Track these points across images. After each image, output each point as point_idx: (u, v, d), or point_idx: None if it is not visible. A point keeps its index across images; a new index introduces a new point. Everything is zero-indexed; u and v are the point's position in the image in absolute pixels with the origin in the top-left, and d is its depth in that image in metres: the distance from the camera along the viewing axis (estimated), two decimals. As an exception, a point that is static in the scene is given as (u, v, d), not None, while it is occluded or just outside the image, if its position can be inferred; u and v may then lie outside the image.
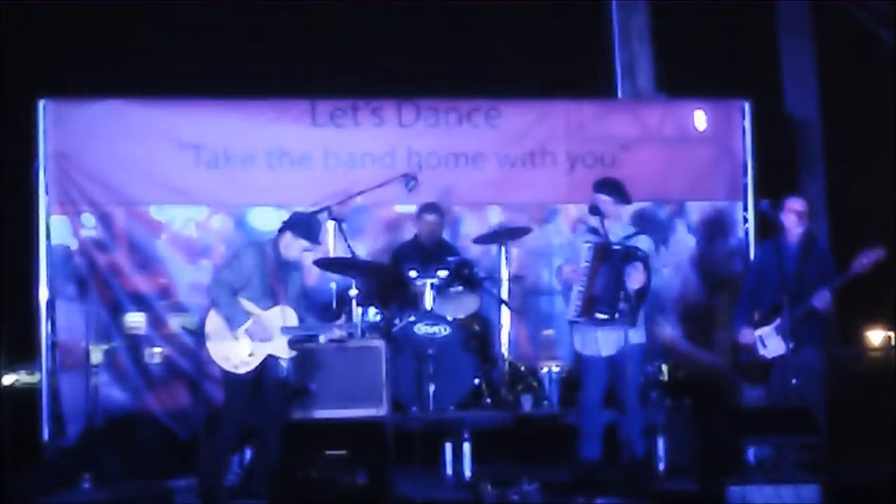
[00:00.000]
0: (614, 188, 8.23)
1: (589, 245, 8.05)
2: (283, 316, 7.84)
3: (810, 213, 8.44)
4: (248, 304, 7.78)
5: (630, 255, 7.95)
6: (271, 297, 7.84)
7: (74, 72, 11.11)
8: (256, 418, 7.89)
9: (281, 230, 7.95)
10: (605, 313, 7.95)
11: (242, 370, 7.76)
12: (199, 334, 7.91)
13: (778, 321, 8.08)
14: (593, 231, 8.20)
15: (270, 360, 7.83)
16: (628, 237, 8.10)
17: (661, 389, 9.10)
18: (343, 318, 8.28)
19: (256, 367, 7.78)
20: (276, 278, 7.85)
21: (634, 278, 7.93)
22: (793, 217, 8.23)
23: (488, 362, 9.31)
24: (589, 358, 8.19)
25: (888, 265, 8.03)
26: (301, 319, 7.92)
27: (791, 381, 7.83)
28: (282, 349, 7.84)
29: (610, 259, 7.98)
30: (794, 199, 8.35)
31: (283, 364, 7.89)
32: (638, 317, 7.99)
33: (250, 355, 7.76)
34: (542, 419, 8.99)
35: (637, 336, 8.03)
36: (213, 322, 7.79)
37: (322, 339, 8.22)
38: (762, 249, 8.69)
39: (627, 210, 9.41)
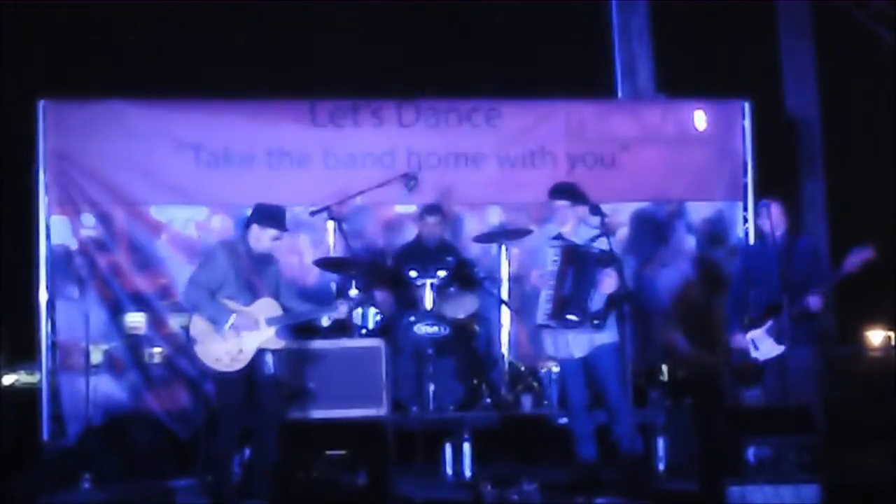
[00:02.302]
0: (567, 192, 8.22)
1: (555, 248, 8.04)
2: (266, 308, 7.83)
3: (789, 213, 8.41)
4: (228, 302, 7.77)
5: (603, 259, 7.93)
6: (250, 292, 7.83)
7: (74, 72, 11.11)
8: (253, 417, 7.88)
9: (247, 224, 7.95)
10: (576, 316, 7.94)
11: (234, 368, 7.74)
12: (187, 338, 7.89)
13: (769, 323, 8.11)
14: (558, 236, 8.19)
15: (261, 357, 7.81)
16: (592, 239, 8.06)
17: (661, 389, 9.10)
18: (310, 306, 8.19)
19: (248, 364, 7.77)
20: (252, 273, 7.85)
21: (606, 283, 7.91)
22: (769, 220, 8.25)
23: (488, 362, 9.31)
24: (563, 361, 8.19)
25: (888, 265, 8.04)
26: (285, 309, 7.91)
27: (786, 382, 7.86)
28: (270, 340, 7.83)
29: (580, 262, 7.97)
30: (767, 202, 8.38)
31: (270, 360, 7.85)
32: (607, 320, 7.96)
33: (240, 352, 7.75)
34: (542, 419, 8.98)
35: (609, 336, 8.00)
36: (198, 325, 7.77)
37: (325, 321, 8.16)
38: (746, 253, 8.73)
39: (625, 208, 9.47)
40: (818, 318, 8.21)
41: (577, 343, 8.06)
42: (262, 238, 7.89)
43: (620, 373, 7.94)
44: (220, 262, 7.82)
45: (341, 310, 8.15)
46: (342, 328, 8.87)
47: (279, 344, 7.88)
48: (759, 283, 8.25)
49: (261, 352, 7.81)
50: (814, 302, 7.98)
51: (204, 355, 7.77)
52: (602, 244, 8.00)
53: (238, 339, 7.75)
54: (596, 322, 7.91)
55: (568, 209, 8.13)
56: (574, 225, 8.14)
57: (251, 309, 7.81)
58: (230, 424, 7.82)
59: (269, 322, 7.82)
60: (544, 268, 8.07)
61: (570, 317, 7.95)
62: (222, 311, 7.73)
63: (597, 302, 7.93)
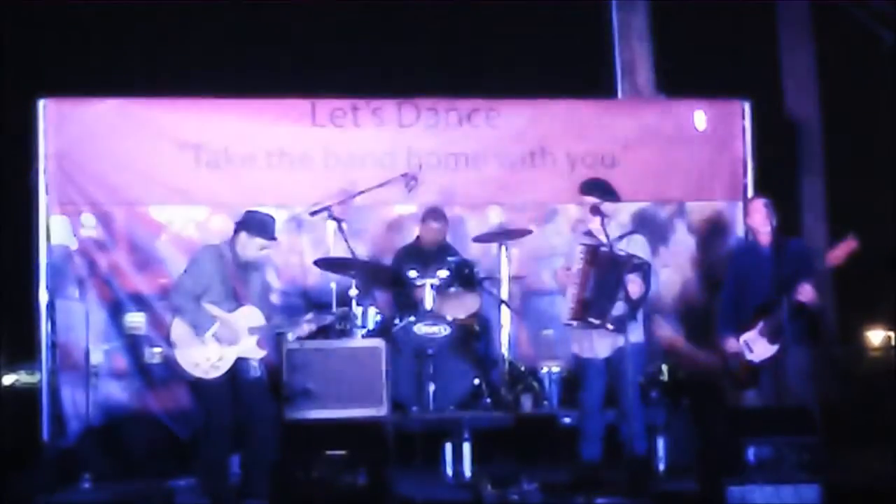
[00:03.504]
0: (600, 188, 8.21)
1: (581, 248, 8.04)
2: (249, 316, 7.80)
3: (781, 212, 8.41)
4: (212, 308, 7.73)
5: (628, 263, 7.92)
6: (234, 298, 7.79)
7: (74, 72, 11.12)
8: (244, 418, 7.84)
9: (235, 230, 7.90)
10: (597, 318, 7.93)
11: (213, 374, 7.70)
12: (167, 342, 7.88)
13: (761, 324, 8.09)
14: (588, 233, 8.19)
15: (241, 362, 7.78)
16: (621, 237, 8.08)
17: (661, 389, 9.10)
18: (311, 314, 8.15)
19: (227, 371, 7.74)
20: (236, 279, 7.80)
21: (631, 289, 7.90)
22: (758, 217, 8.25)
23: (488, 362, 9.31)
24: (587, 360, 8.18)
25: (888, 265, 8.04)
26: (268, 318, 7.88)
27: (782, 382, 7.87)
28: (251, 350, 7.80)
29: (604, 264, 7.95)
30: (756, 200, 8.39)
31: (255, 364, 7.84)
32: (629, 324, 7.94)
33: (219, 359, 7.71)
34: (542, 419, 8.98)
35: (635, 336, 8.00)
36: (179, 330, 7.72)
37: (290, 336, 8.18)
38: (736, 255, 8.70)
39: (625, 208, 9.46)
40: (813, 315, 8.20)
41: (602, 344, 8.06)
42: (248, 246, 7.85)
43: (640, 373, 7.95)
44: (205, 267, 7.77)
45: (304, 327, 8.03)
46: (342, 330, 8.86)
47: (260, 353, 7.84)
48: (750, 284, 8.22)
49: (241, 358, 7.79)
50: (804, 293, 7.96)
51: (183, 360, 7.71)
52: (633, 243, 8.03)
53: (218, 347, 7.72)
54: (613, 327, 7.90)
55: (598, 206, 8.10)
56: (594, 223, 8.11)
57: (234, 316, 7.77)
58: (218, 428, 7.76)
59: (252, 332, 7.80)
60: (572, 265, 8.04)
61: (591, 319, 7.94)
62: (205, 317, 7.68)
63: (619, 307, 7.91)
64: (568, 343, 8.49)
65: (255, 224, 7.88)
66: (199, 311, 7.69)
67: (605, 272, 7.95)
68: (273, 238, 7.97)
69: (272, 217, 8.05)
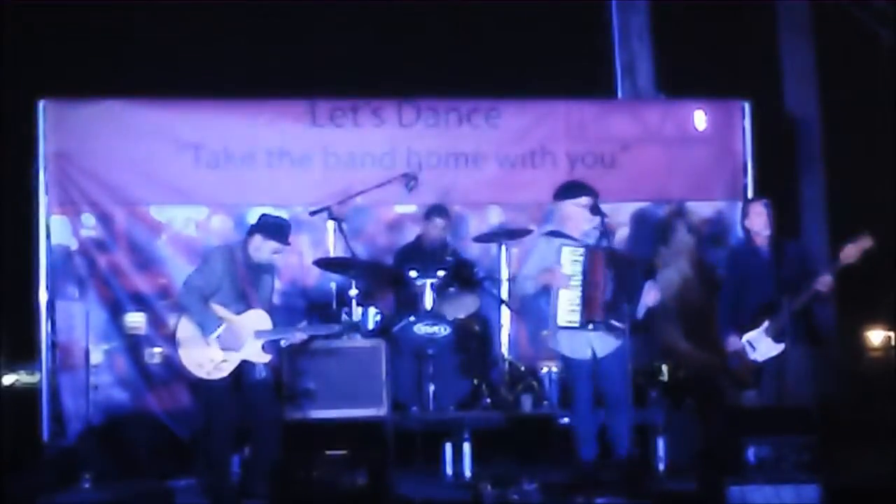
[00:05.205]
0: (586, 188, 8.09)
1: (577, 248, 7.95)
2: (257, 319, 7.81)
3: (779, 214, 8.41)
4: (220, 310, 7.73)
5: (649, 269, 7.91)
6: (243, 300, 7.80)
7: (74, 72, 11.12)
8: (248, 418, 7.85)
9: (250, 233, 7.92)
10: (620, 322, 7.76)
11: (216, 376, 7.70)
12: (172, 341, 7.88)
13: (767, 323, 8.08)
14: (558, 234, 8.07)
15: (247, 364, 7.78)
16: (598, 239, 7.99)
17: (661, 389, 9.09)
18: (304, 322, 8.17)
19: (232, 372, 7.74)
20: (247, 281, 7.81)
21: (651, 295, 7.88)
22: (758, 220, 8.23)
23: (488, 362, 9.30)
24: (578, 361, 8.02)
25: (888, 265, 8.02)
26: (275, 322, 7.88)
27: (783, 382, 7.87)
28: (256, 354, 7.80)
29: (620, 267, 7.86)
30: (757, 203, 8.37)
31: (260, 366, 7.82)
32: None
33: (223, 361, 7.71)
34: (542, 419, 8.98)
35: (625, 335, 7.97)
36: (185, 329, 7.73)
37: (283, 343, 8.17)
38: (736, 255, 8.66)
39: (625, 208, 9.46)
40: (813, 318, 8.19)
41: (602, 343, 7.94)
42: (262, 249, 7.87)
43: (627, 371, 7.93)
44: (215, 267, 7.78)
45: (297, 336, 8.01)
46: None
47: (265, 358, 7.84)
48: (752, 284, 8.21)
49: (246, 361, 7.79)
50: (823, 283, 7.91)
51: (187, 360, 7.73)
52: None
53: (222, 350, 7.73)
54: (622, 329, 7.85)
55: (583, 208, 8.04)
56: (588, 224, 8.06)
57: (241, 319, 7.78)
58: (221, 428, 7.77)
59: (258, 335, 7.80)
60: (555, 266, 7.90)
61: (610, 321, 7.81)
62: (212, 319, 7.69)
63: (640, 310, 7.85)
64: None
65: (272, 228, 7.90)
66: (206, 312, 7.70)
67: (623, 273, 7.86)
68: (287, 243, 7.99)
69: (288, 222, 8.10)
